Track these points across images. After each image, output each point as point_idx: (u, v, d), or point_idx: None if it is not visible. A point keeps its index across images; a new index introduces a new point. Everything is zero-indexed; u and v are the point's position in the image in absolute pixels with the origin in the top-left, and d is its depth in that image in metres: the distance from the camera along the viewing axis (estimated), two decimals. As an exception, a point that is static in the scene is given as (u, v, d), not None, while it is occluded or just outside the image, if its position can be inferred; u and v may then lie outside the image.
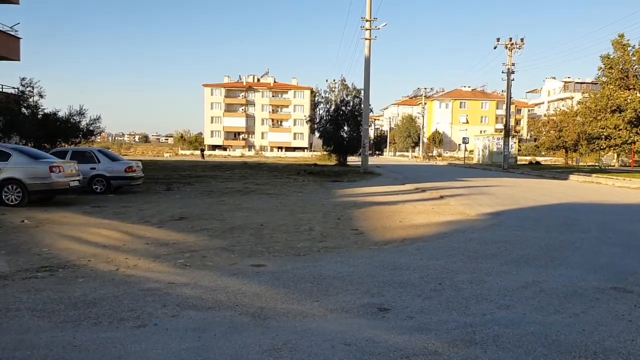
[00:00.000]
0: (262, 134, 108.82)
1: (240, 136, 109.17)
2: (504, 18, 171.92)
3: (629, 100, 30.91)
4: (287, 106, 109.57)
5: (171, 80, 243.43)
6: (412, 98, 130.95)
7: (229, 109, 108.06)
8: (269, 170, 32.37)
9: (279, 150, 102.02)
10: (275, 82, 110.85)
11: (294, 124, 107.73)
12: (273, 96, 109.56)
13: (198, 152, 77.17)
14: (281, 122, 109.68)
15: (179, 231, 9.12)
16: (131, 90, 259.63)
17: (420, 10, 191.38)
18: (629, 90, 31.54)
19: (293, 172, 29.49)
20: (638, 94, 31.08)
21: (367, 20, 30.29)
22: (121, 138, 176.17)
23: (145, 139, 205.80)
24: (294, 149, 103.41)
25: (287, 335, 4.01)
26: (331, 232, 9.29)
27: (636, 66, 31.55)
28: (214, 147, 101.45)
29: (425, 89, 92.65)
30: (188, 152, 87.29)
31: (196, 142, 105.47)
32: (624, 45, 31.71)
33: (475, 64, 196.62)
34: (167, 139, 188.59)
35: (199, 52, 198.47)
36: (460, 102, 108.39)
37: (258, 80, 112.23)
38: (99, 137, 39.42)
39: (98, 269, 6.24)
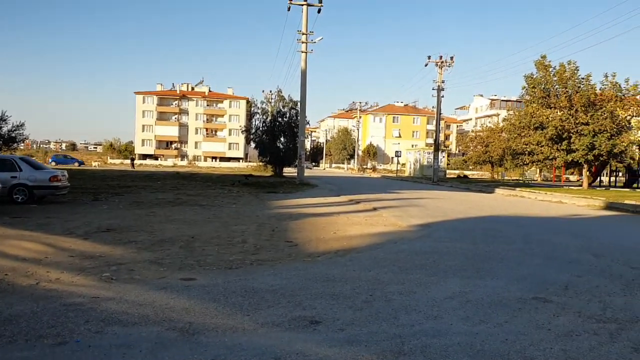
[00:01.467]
0: (196, 143, 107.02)
1: (173, 145, 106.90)
2: (436, 36, 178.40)
3: (550, 118, 32.56)
4: (222, 116, 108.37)
5: (102, 87, 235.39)
6: (347, 111, 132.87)
7: (162, 117, 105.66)
8: (202, 180, 31.81)
9: (213, 160, 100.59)
10: (210, 91, 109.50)
11: (229, 134, 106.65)
12: (208, 105, 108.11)
13: (128, 161, 74.81)
14: (216, 131, 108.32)
15: (106, 243, 8.77)
16: (58, 96, 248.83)
17: (356, 26, 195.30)
18: (551, 108, 33.25)
19: (227, 183, 29.12)
20: (558, 113, 32.81)
21: (303, 34, 30.55)
22: (47, 146, 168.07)
23: (72, 147, 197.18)
24: (229, 159, 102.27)
25: (216, 351, 3.92)
26: (265, 245, 9.22)
27: (557, 86, 33.33)
28: (145, 157, 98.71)
29: (360, 102, 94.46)
30: (118, 161, 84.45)
31: (126, 150, 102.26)
32: (546, 66, 33.46)
33: (408, 80, 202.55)
34: (96, 147, 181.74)
35: (131, 59, 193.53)
36: (394, 117, 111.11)
37: (192, 89, 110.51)
38: (22, 145, 37.52)
39: (16, 284, 5.89)
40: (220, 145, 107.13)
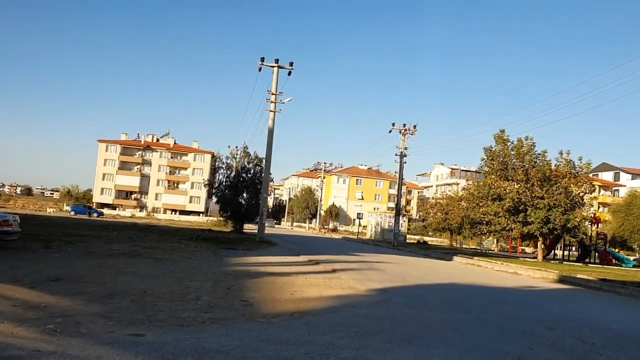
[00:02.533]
0: (157, 195, 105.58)
1: (133, 196, 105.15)
2: (401, 102, 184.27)
3: (507, 190, 33.53)
4: (185, 168, 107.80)
5: (62, 133, 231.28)
6: (312, 171, 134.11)
7: (124, 167, 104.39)
8: (159, 233, 31.16)
9: (173, 213, 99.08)
10: (175, 143, 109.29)
11: (192, 187, 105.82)
12: (172, 157, 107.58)
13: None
14: (178, 184, 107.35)
15: (54, 293, 8.41)
16: (14, 139, 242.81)
17: (325, 89, 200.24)
18: (508, 181, 34.28)
19: (185, 237, 28.58)
20: (516, 185, 33.83)
21: (272, 94, 31.09)
22: (0, 189, 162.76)
23: (28, 191, 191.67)
24: (189, 212, 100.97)
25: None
26: (219, 303, 9.00)
27: (514, 160, 34.53)
28: (103, 206, 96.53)
29: (325, 163, 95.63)
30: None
31: (84, 198, 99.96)
32: (504, 139, 34.73)
33: (373, 144, 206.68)
34: (52, 193, 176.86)
35: (95, 106, 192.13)
36: (357, 179, 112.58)
37: (158, 140, 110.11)
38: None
39: (-50, 334, 5.55)
40: (181, 198, 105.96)
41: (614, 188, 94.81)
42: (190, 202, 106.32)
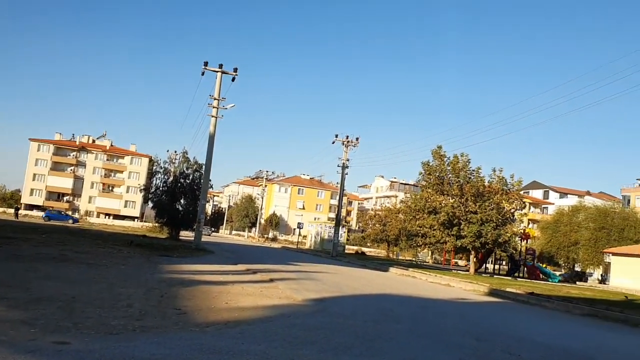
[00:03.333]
0: (90, 198, 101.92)
1: (65, 198, 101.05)
2: (345, 114, 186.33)
3: (443, 204, 34.51)
4: (121, 172, 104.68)
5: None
6: (253, 179, 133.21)
7: (56, 167, 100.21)
8: (92, 237, 30.01)
9: (107, 217, 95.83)
10: (112, 145, 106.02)
11: (127, 191, 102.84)
12: (108, 160, 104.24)
13: (12, 211, 69.35)
14: (113, 187, 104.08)
15: (-29, 299, 7.93)
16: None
17: (270, 97, 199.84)
18: (444, 195, 35.31)
19: (119, 242, 27.64)
20: (451, 200, 34.88)
21: (215, 99, 30.70)
22: None
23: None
24: (124, 217, 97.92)
25: None
26: (151, 310, 8.75)
27: (450, 175, 35.63)
28: (32, 207, 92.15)
29: (267, 171, 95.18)
30: (0, 210, 78.13)
31: (12, 199, 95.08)
32: (441, 155, 35.80)
33: (316, 153, 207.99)
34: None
35: (28, 104, 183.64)
36: (299, 189, 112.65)
37: (94, 141, 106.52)
38: None
39: None
40: (116, 202, 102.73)
41: (543, 205, 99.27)
42: (126, 206, 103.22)
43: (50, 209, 77.76)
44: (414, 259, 58.36)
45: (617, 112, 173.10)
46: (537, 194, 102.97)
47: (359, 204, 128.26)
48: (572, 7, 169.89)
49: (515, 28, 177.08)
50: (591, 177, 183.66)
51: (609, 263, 47.09)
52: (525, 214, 41.27)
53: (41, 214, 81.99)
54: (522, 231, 42.35)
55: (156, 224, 47.24)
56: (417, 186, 54.58)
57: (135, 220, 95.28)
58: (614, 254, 43.84)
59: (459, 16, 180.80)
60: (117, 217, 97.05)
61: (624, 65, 51.24)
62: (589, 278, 54.45)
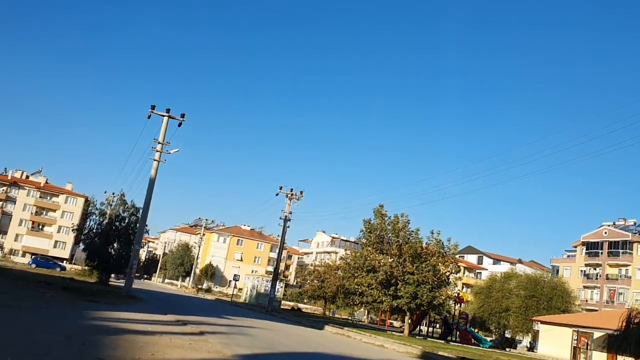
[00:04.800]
0: (18, 236, 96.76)
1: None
2: (291, 168, 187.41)
3: (382, 263, 34.77)
4: (54, 210, 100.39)
5: None
6: (192, 226, 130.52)
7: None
8: (14, 277, 28.32)
9: (34, 257, 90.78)
10: (47, 182, 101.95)
11: (58, 231, 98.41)
12: (41, 197, 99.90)
13: None
14: (43, 226, 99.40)
15: None
16: None
17: (214, 144, 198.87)
18: (383, 254, 35.64)
19: (44, 284, 26.20)
20: (389, 259, 35.23)
21: (159, 143, 30.25)
22: None
23: None
24: (53, 258, 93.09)
25: None
26: (71, 359, 8.24)
27: (390, 234, 36.14)
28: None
29: (206, 219, 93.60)
30: None
31: None
32: (382, 214, 36.39)
33: (259, 204, 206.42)
34: None
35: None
36: (238, 239, 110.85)
37: (27, 177, 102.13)
38: None
39: None
40: (45, 242, 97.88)
41: (477, 270, 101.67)
42: (55, 247, 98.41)
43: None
44: (349, 318, 57.96)
45: (550, 184, 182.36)
46: (472, 258, 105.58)
47: (298, 258, 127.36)
48: (502, 79, 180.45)
49: (457, 92, 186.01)
50: (523, 245, 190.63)
51: (538, 331, 48.32)
52: (459, 277, 42.10)
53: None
54: (456, 295, 43.06)
55: (86, 267, 45.21)
56: (357, 243, 54.89)
57: (64, 262, 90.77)
58: (542, 322, 45.08)
59: (386, 79, 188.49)
60: (44, 257, 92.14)
61: (560, 139, 54.39)
62: (518, 345, 55.50)
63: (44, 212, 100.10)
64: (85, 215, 57.23)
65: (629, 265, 69.78)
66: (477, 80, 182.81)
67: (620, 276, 70.77)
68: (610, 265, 72.06)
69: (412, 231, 36.16)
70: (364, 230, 37.08)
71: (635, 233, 72.55)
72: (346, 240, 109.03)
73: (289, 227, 44.91)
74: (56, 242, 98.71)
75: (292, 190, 44.77)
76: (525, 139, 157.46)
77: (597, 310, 63.77)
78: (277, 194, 45.13)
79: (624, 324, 24.81)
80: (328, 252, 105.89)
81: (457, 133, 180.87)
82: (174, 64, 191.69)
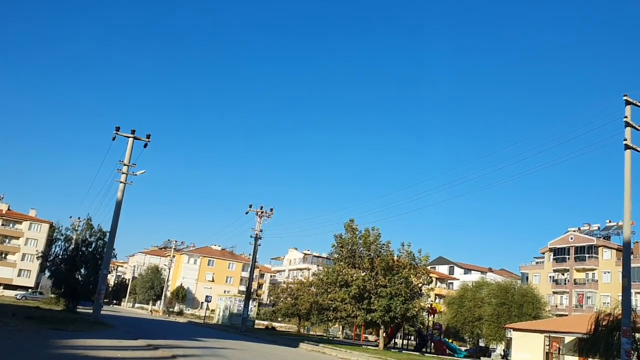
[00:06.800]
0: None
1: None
2: (259, 186, 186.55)
3: (354, 277, 34.73)
4: (17, 238, 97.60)
5: None
6: (162, 249, 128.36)
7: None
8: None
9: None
10: (9, 209, 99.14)
11: (22, 259, 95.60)
12: (3, 225, 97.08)
13: None
14: (6, 254, 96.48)
15: None
16: None
17: (181, 165, 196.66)
18: (355, 268, 35.62)
19: (7, 314, 25.31)
20: (362, 273, 35.23)
21: (125, 165, 29.82)
22: None
23: None
24: (17, 287, 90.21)
25: None
26: (34, 391, 7.96)
27: (362, 248, 36.18)
28: None
29: (176, 241, 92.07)
30: None
31: None
32: (353, 228, 36.45)
33: (229, 224, 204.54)
34: None
35: None
36: (209, 260, 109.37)
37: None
38: None
39: None
40: (8, 271, 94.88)
41: (449, 281, 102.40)
42: (19, 275, 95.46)
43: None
44: (325, 334, 57.61)
45: (517, 193, 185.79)
46: (443, 269, 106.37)
47: (271, 276, 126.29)
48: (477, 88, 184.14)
49: (426, 104, 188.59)
50: (493, 254, 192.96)
51: (511, 338, 48.79)
52: (432, 288, 42.24)
53: None
54: (429, 306, 43.25)
55: (52, 295, 43.94)
56: (329, 259, 54.78)
57: (29, 290, 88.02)
58: (515, 330, 45.54)
59: (356, 91, 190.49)
60: (8, 287, 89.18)
61: (523, 148, 55.53)
62: (492, 353, 55.89)
63: (7, 240, 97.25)
64: (50, 241, 55.80)
65: (595, 269, 71.24)
66: (440, 90, 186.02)
67: (588, 280, 72.16)
68: (578, 270, 73.46)
69: (384, 244, 36.29)
70: (335, 245, 37.04)
71: (600, 237, 74.25)
72: (318, 256, 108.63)
73: (260, 245, 44.64)
74: (20, 270, 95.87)
75: (262, 208, 44.53)
76: (493, 148, 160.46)
77: (567, 315, 64.74)
78: (246, 212, 44.84)
79: (593, 327, 25.36)
80: (301, 269, 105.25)
81: (426, 146, 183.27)
82: (137, 83, 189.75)
